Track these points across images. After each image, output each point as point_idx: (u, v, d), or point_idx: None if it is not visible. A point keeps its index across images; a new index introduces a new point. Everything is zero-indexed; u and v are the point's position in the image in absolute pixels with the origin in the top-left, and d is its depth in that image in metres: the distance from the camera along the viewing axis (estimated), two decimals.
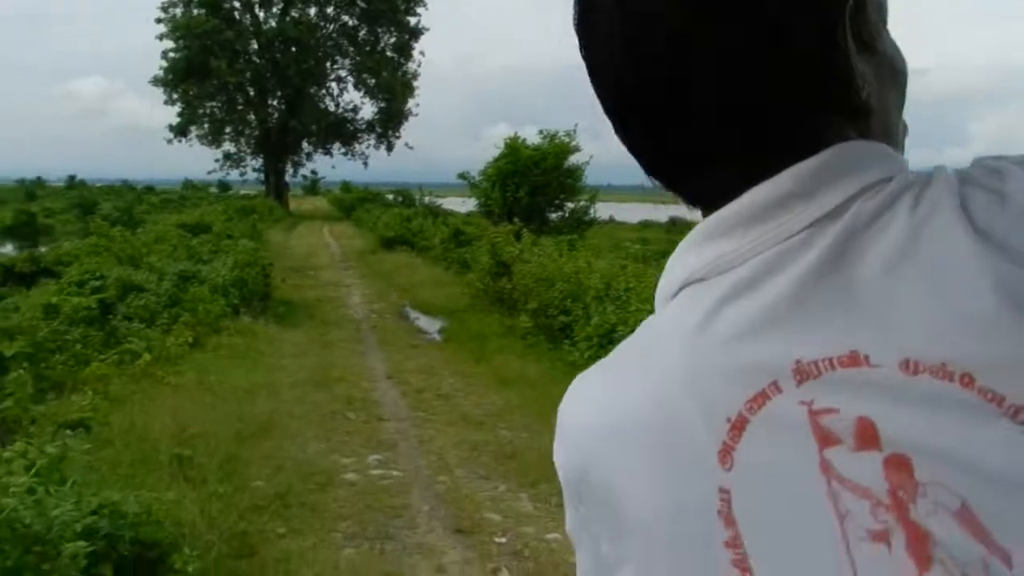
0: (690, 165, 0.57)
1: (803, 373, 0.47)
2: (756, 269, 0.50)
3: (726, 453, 0.49)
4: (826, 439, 0.46)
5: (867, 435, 0.45)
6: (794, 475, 0.47)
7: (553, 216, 17.75)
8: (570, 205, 17.97)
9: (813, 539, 0.46)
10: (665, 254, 0.62)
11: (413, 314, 12.74)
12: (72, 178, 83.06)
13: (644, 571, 0.53)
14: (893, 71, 0.57)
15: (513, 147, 16.88)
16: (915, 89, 0.60)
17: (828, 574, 0.45)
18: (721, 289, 0.51)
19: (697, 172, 0.57)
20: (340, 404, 6.99)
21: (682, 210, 0.60)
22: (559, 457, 0.61)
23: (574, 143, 17.07)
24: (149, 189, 75.27)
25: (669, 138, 0.56)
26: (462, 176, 18.23)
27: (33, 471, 3.18)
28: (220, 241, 16.89)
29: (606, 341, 7.47)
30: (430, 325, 11.64)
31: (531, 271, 10.95)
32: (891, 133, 0.57)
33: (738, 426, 0.48)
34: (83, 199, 57.47)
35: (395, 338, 10.47)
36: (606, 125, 0.60)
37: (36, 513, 2.77)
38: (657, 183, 0.59)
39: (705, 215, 0.56)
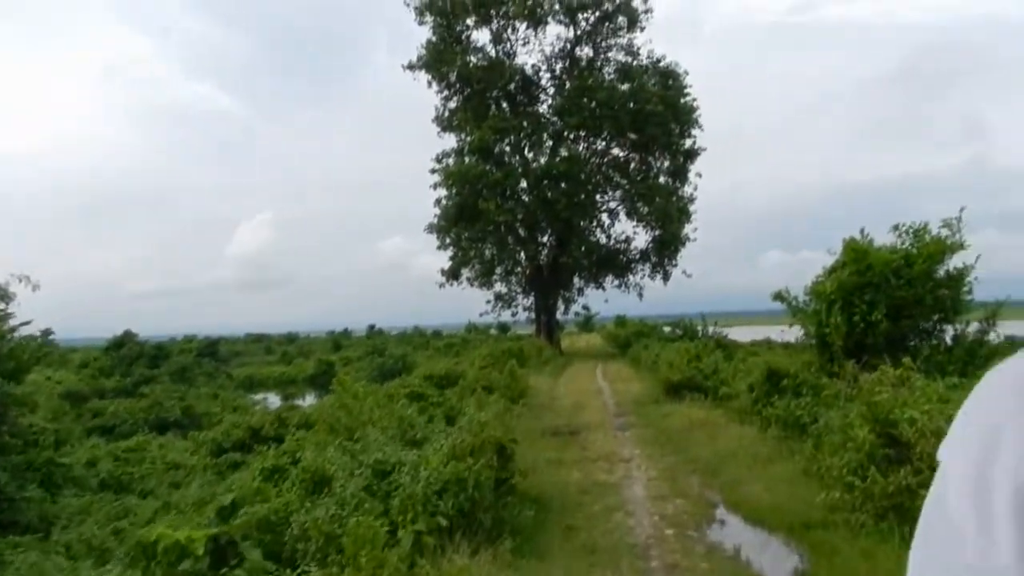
0: None
1: None
2: None
3: None
4: None
5: None
6: None
7: (923, 345, 11.78)
8: (949, 328, 11.93)
9: None
10: None
11: (733, 527, 7.70)
12: (372, 327, 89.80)
13: None
14: None
15: (859, 251, 11.38)
16: None
17: None
18: None
19: None
20: None
21: None
22: None
23: (956, 238, 11.21)
24: (437, 334, 78.60)
25: None
26: (778, 297, 12.97)
27: None
28: (463, 399, 13.38)
29: None
30: (770, 562, 6.52)
31: None
32: None
33: None
34: (375, 347, 60.61)
35: None
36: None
37: None
38: None
39: None
